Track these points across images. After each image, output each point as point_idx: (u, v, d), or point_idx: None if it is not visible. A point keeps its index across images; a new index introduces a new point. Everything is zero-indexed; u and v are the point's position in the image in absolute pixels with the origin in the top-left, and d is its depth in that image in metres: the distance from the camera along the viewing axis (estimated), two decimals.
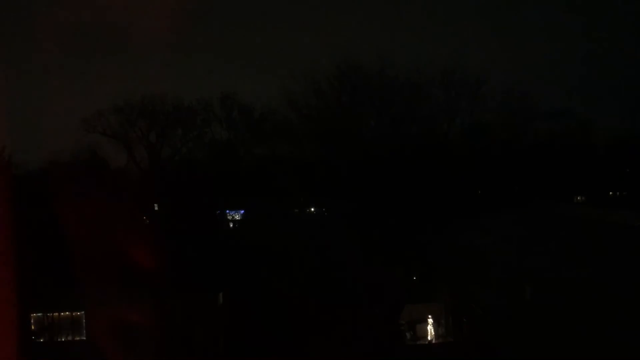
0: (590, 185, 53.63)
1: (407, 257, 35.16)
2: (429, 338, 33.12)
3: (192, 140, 58.56)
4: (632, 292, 16.71)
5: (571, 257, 21.95)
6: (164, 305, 28.39)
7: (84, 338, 30.15)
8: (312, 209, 55.98)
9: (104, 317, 26.46)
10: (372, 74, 47.40)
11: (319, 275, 33.42)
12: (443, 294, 33.84)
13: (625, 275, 17.83)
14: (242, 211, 57.79)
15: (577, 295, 19.06)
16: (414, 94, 48.10)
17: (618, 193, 58.00)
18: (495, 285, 26.64)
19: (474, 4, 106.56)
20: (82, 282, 25.10)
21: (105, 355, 23.77)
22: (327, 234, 40.03)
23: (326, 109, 48.09)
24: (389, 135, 48.20)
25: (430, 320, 33.32)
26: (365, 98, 48.48)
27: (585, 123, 55.74)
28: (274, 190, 45.64)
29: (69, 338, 30.59)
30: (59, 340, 30.60)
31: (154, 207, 54.05)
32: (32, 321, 30.66)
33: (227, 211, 57.70)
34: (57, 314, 30.66)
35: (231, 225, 55.83)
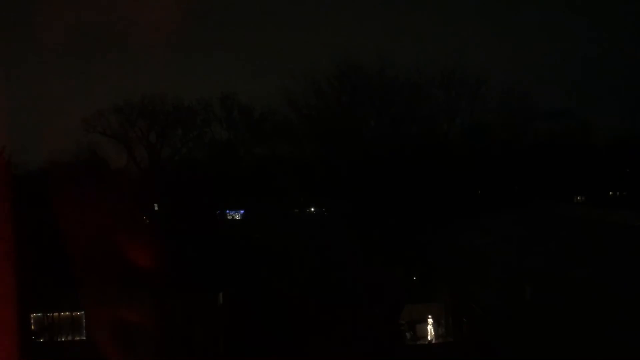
0: (590, 185, 53.64)
1: (407, 257, 35.17)
2: (429, 338, 33.13)
3: (192, 140, 58.68)
4: (632, 292, 16.71)
5: (571, 257, 21.95)
6: (164, 305, 28.38)
7: (84, 338, 30.15)
8: (312, 209, 56.02)
9: (104, 317, 26.46)
10: (372, 74, 47.47)
11: (319, 275, 33.43)
12: (443, 294, 33.83)
13: (625, 275, 17.83)
14: (242, 211, 57.84)
15: (577, 295, 19.06)
16: (414, 94, 48.14)
17: (618, 193, 58.01)
18: (495, 285, 26.63)
19: (474, 4, 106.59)
20: (82, 282, 25.09)
21: (105, 355, 23.77)
22: (327, 234, 40.06)
23: (326, 109, 48.11)
24: (389, 135, 48.22)
25: (430, 320, 33.32)
26: (365, 98, 48.51)
27: (585, 123, 55.83)
28: (274, 190, 45.66)
29: (69, 338, 30.59)
30: (59, 340, 30.60)
31: (154, 207, 54.07)
32: (32, 321, 30.67)
33: (227, 211, 57.76)
34: (57, 314, 30.66)
35: (231, 225, 55.83)
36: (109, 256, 26.42)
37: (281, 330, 29.58)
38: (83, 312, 30.22)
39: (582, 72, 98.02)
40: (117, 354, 23.16)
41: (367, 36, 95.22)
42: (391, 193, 40.31)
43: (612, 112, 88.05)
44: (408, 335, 33.10)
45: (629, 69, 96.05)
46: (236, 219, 57.93)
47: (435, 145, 47.01)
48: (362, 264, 33.97)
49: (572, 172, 50.32)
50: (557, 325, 20.10)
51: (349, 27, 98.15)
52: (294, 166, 47.02)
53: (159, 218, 51.70)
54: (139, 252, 26.66)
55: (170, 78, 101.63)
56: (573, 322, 19.04)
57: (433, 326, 33.30)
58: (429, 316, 33.49)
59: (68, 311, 30.50)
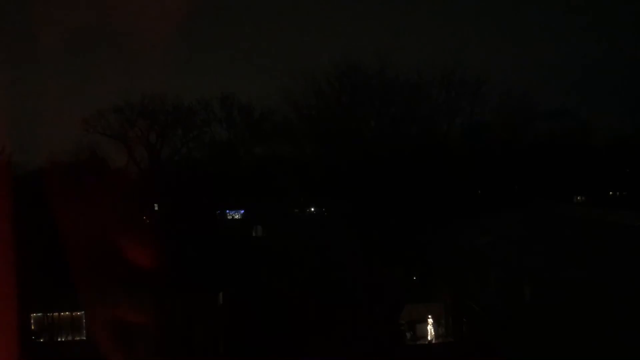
0: (590, 185, 53.62)
1: (407, 257, 35.19)
2: (429, 338, 33.13)
3: (192, 140, 58.62)
4: (632, 292, 16.71)
5: (571, 257, 21.94)
6: (164, 305, 28.37)
7: (84, 338, 30.15)
8: (312, 209, 56.03)
9: (104, 317, 26.44)
10: (372, 74, 47.53)
11: (319, 275, 33.45)
12: (443, 294, 33.84)
13: (625, 275, 17.83)
14: (242, 211, 57.85)
15: (577, 295, 19.06)
16: (414, 94, 48.19)
17: (618, 193, 58.00)
18: (495, 285, 26.64)
19: (474, 4, 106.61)
20: (82, 282, 25.09)
21: (105, 355, 23.75)
22: (327, 234, 40.08)
23: (326, 109, 48.15)
24: (389, 135, 48.26)
25: (430, 320, 33.32)
26: (365, 98, 48.54)
27: (585, 123, 55.82)
28: (274, 190, 45.68)
29: (69, 338, 30.60)
30: (59, 340, 30.60)
31: (154, 207, 54.05)
32: (32, 321, 30.68)
33: (227, 211, 57.76)
34: (57, 314, 30.68)
35: (231, 226, 55.84)
36: (108, 256, 26.40)
37: (281, 330, 29.58)
38: (83, 312, 30.24)
39: (582, 72, 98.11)
40: (117, 354, 23.14)
41: (367, 36, 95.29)
42: (391, 193, 40.32)
43: (612, 112, 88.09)
44: (408, 335, 33.10)
45: (629, 69, 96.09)
46: (236, 219, 57.97)
47: (435, 145, 47.02)
48: (362, 264, 34.00)
49: (572, 172, 50.30)
50: (557, 325, 20.10)
51: (349, 27, 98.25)
52: (294, 166, 47.05)
53: (159, 218, 51.68)
54: (139, 252, 26.63)
55: (170, 78, 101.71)
56: (573, 322, 19.04)
57: (433, 326, 33.30)
58: (429, 316, 33.49)
59: (68, 311, 30.52)
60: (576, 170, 50.72)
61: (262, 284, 33.34)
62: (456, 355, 30.86)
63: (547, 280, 21.36)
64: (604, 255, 20.65)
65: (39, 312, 30.68)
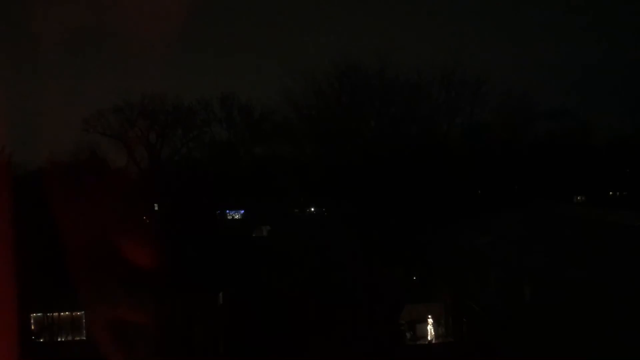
0: (590, 185, 53.62)
1: (407, 257, 35.18)
2: (429, 338, 33.13)
3: (192, 140, 58.61)
4: (632, 292, 16.71)
5: (571, 257, 21.94)
6: (164, 305, 28.37)
7: (84, 338, 30.15)
8: (312, 209, 56.04)
9: (104, 317, 26.44)
10: (372, 74, 47.50)
11: (319, 275, 33.44)
12: (443, 294, 33.84)
13: (625, 275, 17.83)
14: (242, 211, 57.85)
15: (577, 295, 19.06)
16: (414, 94, 48.18)
17: (618, 193, 58.01)
18: (495, 285, 26.64)
19: (474, 4, 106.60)
20: (82, 282, 25.09)
21: (105, 355, 23.75)
22: (327, 234, 40.06)
23: (326, 109, 48.14)
24: (389, 135, 48.24)
25: (430, 320, 33.32)
26: (365, 98, 48.52)
27: (585, 123, 55.84)
28: (274, 190, 45.68)
29: (69, 338, 30.60)
30: (59, 340, 30.60)
31: (154, 207, 54.04)
32: (32, 321, 30.67)
33: (227, 211, 57.75)
34: (57, 314, 30.68)
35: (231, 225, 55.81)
36: (108, 256, 26.40)
37: (281, 330, 29.58)
38: (83, 312, 30.24)
39: (582, 72, 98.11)
40: (117, 354, 23.14)
41: (367, 36, 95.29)
42: (391, 193, 40.31)
43: (612, 112, 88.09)
44: (408, 335, 33.10)
45: (629, 69, 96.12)
46: (236, 219, 57.96)
47: (435, 145, 47.01)
48: (362, 264, 33.99)
49: (572, 172, 50.31)
50: (557, 325, 20.11)
51: (349, 27, 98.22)
52: (294, 166, 47.06)
53: (159, 218, 51.65)
54: (139, 252, 26.62)
55: (170, 78, 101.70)
56: (573, 322, 19.04)
57: (433, 326, 33.31)
58: (429, 316, 33.49)
59: (68, 311, 30.52)
60: (576, 170, 50.73)
61: (262, 284, 33.34)
62: (456, 355, 30.86)
63: (547, 280, 21.36)
64: (604, 255, 20.65)
65: (39, 312, 30.69)
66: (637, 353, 16.20)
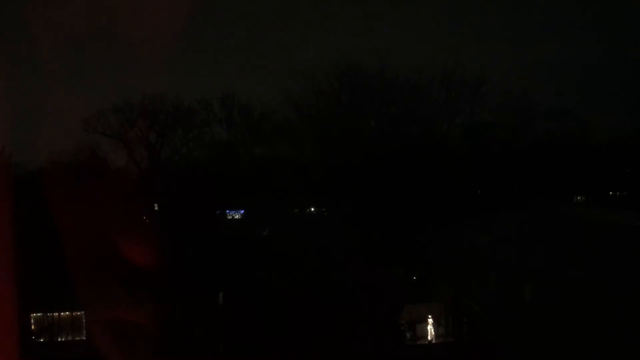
0: (590, 185, 53.64)
1: (407, 257, 35.18)
2: (429, 338, 33.12)
3: (192, 140, 58.67)
4: (632, 292, 16.71)
5: (571, 257, 21.94)
6: (164, 305, 28.37)
7: (84, 338, 30.15)
8: (312, 209, 56.06)
9: (104, 317, 26.44)
10: (372, 74, 47.56)
11: (319, 275, 33.44)
12: (443, 294, 33.82)
13: (625, 275, 17.83)
14: (242, 211, 57.86)
15: (577, 295, 19.06)
16: (414, 94, 48.23)
17: (618, 193, 58.01)
18: (495, 285, 26.64)
19: (474, 4, 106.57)
20: (82, 282, 25.09)
21: (105, 355, 23.75)
22: (327, 234, 40.06)
23: (326, 109, 48.19)
24: (389, 135, 48.28)
25: (430, 320, 33.31)
26: (365, 98, 48.58)
27: (585, 123, 55.86)
28: (274, 190, 45.70)
29: (69, 338, 30.60)
30: (59, 340, 30.60)
31: (154, 207, 54.05)
32: (32, 321, 30.67)
33: (227, 211, 57.77)
34: (57, 314, 30.68)
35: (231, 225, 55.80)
36: (108, 256, 26.41)
37: (281, 330, 29.57)
38: (83, 312, 30.24)
39: (582, 72, 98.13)
40: (117, 354, 23.14)
41: (367, 36, 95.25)
42: (391, 193, 40.33)
43: (612, 112, 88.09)
44: (408, 335, 33.09)
45: (629, 69, 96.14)
46: (236, 219, 57.96)
47: (435, 145, 47.04)
48: (362, 264, 33.98)
49: (572, 172, 50.32)
50: (557, 325, 20.10)
51: (349, 27, 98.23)
52: (294, 166, 47.08)
53: (159, 218, 51.66)
54: (139, 252, 26.63)
55: (170, 78, 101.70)
56: (573, 322, 19.04)
57: (433, 326, 33.29)
58: (429, 316, 33.48)
59: (68, 311, 30.52)
60: (576, 170, 50.75)
61: (262, 284, 33.32)
62: (456, 355, 30.85)
63: (547, 281, 21.36)
64: (604, 255, 20.65)
65: (39, 312, 30.68)
66: (637, 353, 16.20)
